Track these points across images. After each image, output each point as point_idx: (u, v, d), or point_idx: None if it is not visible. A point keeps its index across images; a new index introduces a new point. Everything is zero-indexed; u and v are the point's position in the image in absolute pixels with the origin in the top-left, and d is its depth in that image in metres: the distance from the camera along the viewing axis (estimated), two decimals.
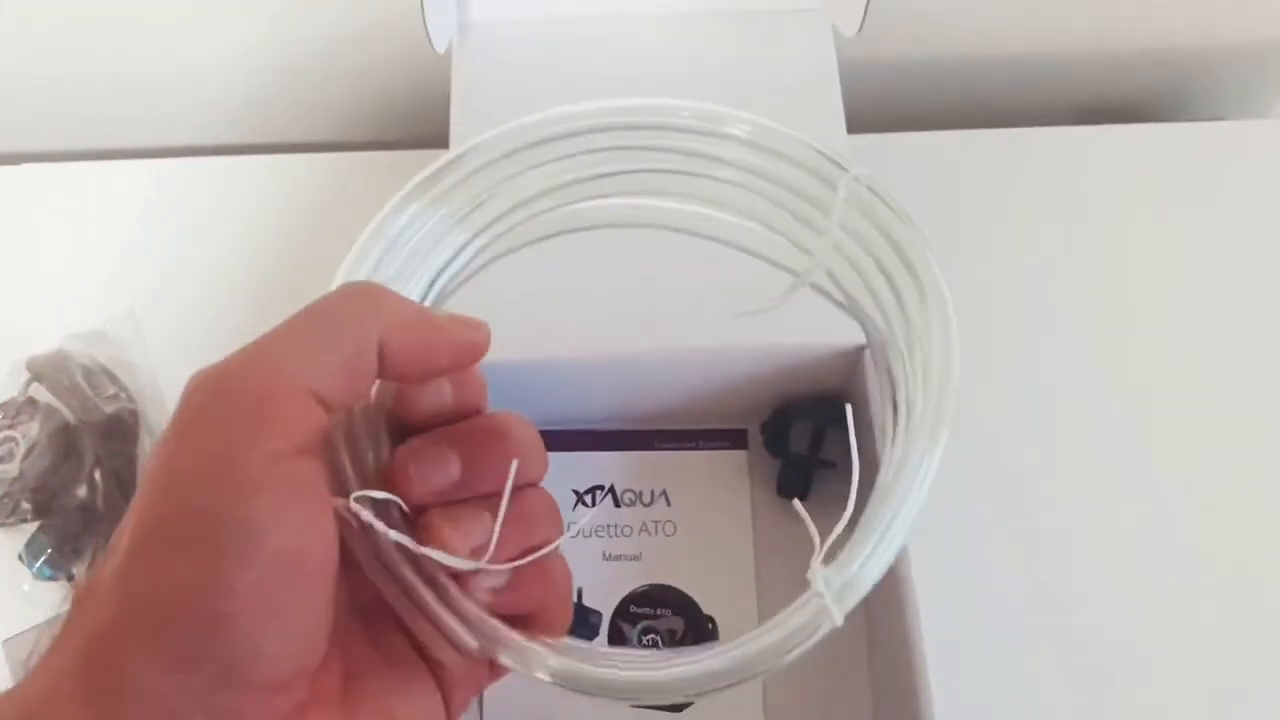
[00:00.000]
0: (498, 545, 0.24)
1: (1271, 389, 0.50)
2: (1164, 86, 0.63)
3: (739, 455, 0.47)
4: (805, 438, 0.45)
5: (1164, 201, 0.55)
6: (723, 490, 0.47)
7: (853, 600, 0.25)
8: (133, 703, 0.19)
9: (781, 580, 0.44)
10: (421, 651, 0.25)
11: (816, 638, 0.25)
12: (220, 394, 0.21)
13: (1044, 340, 0.51)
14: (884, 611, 0.40)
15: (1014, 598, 0.45)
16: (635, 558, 0.45)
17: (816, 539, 0.25)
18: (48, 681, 0.20)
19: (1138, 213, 0.54)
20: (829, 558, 0.25)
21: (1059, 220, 0.54)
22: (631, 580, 0.45)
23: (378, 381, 0.24)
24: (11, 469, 0.46)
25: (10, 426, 0.46)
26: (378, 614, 0.25)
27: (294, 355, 0.22)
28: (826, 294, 0.31)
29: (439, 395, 0.25)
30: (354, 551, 0.24)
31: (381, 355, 0.23)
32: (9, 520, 0.46)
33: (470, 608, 0.24)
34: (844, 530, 0.26)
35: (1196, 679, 0.44)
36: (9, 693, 0.20)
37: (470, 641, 0.24)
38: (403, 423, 0.26)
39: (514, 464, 0.24)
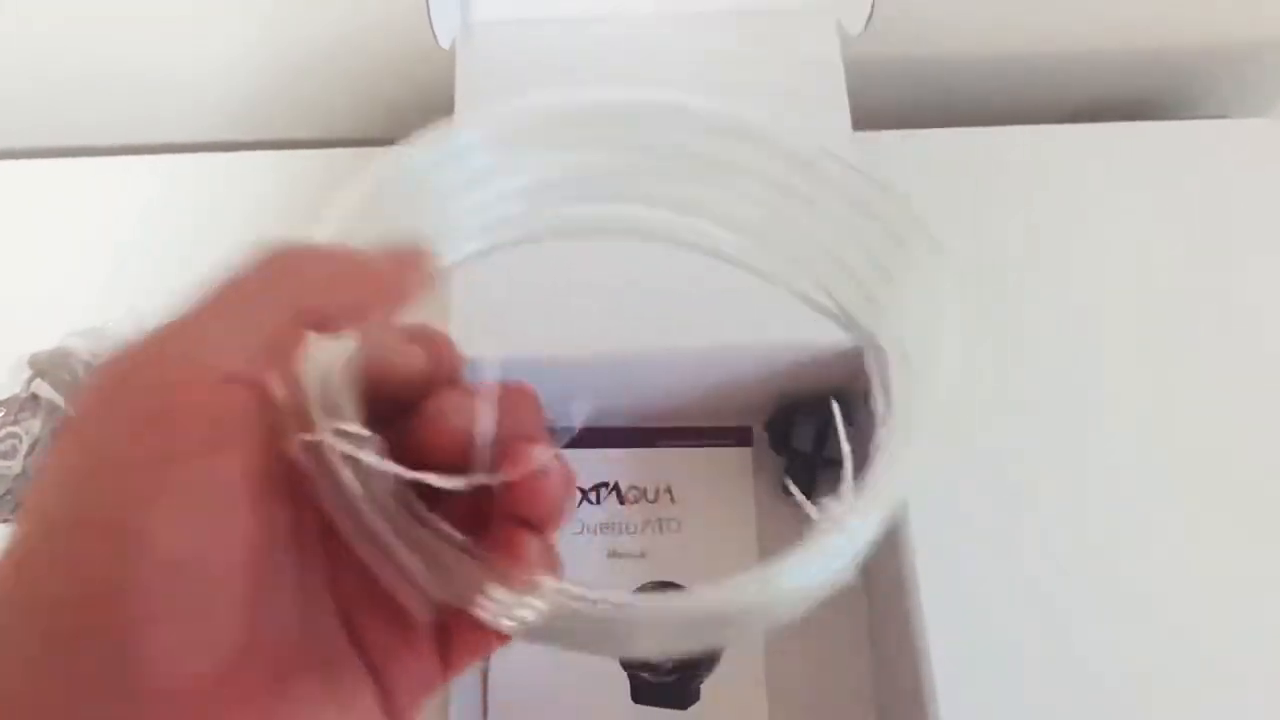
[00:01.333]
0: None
1: (1274, 389, 0.50)
2: (1166, 85, 0.63)
3: (744, 453, 0.47)
4: (810, 435, 0.45)
5: (1166, 200, 0.55)
6: (727, 488, 0.46)
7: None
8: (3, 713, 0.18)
9: None
10: (365, 655, 0.22)
11: None
12: (120, 387, 0.19)
13: (1045, 339, 0.51)
14: (886, 610, 0.40)
15: (1014, 599, 0.45)
16: (640, 555, 0.45)
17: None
18: None
19: (1140, 210, 0.55)
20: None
21: (1061, 218, 0.54)
22: (636, 578, 0.45)
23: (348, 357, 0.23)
24: (14, 466, 0.45)
25: (13, 423, 0.46)
26: (317, 609, 0.22)
27: (207, 337, 0.20)
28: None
29: (413, 363, 0.24)
30: (323, 501, 0.21)
31: (311, 317, 0.21)
32: (11, 517, 0.46)
33: (452, 535, 0.21)
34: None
35: (1195, 676, 0.44)
36: None
37: (435, 590, 0.21)
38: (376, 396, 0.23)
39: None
